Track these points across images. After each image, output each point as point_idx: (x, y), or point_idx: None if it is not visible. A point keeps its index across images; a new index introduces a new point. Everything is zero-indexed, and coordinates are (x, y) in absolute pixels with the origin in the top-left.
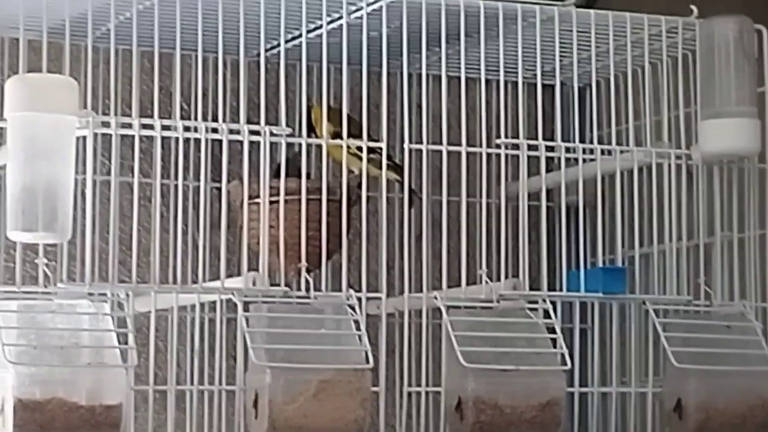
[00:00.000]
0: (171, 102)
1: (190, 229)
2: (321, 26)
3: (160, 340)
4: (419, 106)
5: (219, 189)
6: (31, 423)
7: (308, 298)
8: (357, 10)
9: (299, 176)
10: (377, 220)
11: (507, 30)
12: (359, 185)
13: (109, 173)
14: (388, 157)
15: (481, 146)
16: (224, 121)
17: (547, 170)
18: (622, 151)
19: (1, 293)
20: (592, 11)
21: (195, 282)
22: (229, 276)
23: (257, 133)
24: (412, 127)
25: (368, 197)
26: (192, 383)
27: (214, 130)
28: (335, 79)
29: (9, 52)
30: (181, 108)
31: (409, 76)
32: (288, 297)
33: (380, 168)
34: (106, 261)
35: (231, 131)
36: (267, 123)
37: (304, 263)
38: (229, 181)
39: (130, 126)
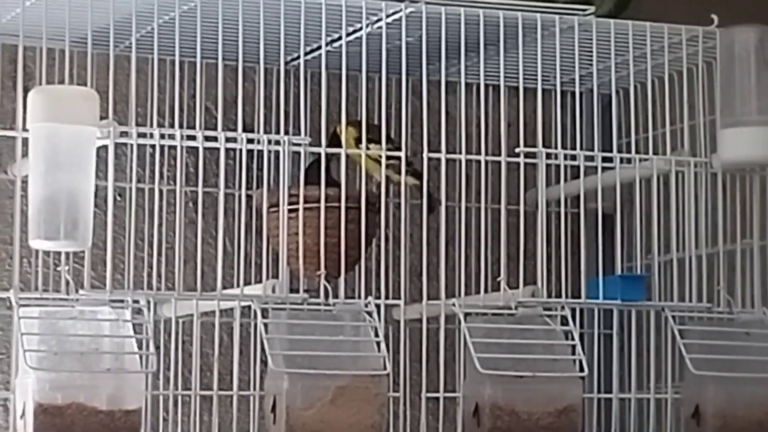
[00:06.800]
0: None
1: (218, 236)
2: (341, 37)
3: (189, 344)
4: (440, 115)
5: (248, 197)
6: (52, 428)
7: (327, 304)
8: (377, 21)
9: (328, 183)
10: (399, 226)
11: (527, 39)
12: (381, 192)
13: (141, 181)
14: (409, 164)
15: (500, 155)
16: (244, 130)
17: (572, 178)
18: (642, 159)
19: (25, 300)
20: (612, 21)
21: (227, 287)
22: (258, 282)
23: (278, 142)
24: (444, 135)
25: (392, 204)
26: (217, 388)
27: (235, 140)
28: (357, 88)
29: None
30: (205, 117)
31: (431, 84)
32: (307, 304)
33: (400, 174)
34: (137, 268)
35: (250, 140)
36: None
37: (323, 270)
38: (257, 189)
39: (151, 136)
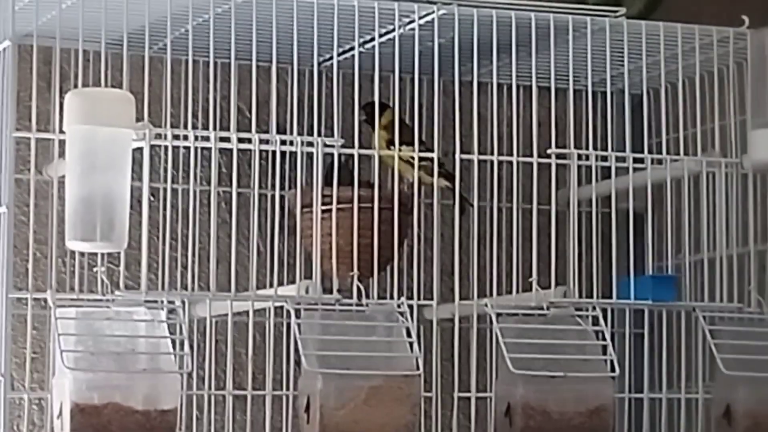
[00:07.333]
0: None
1: (252, 237)
2: (373, 38)
3: (222, 344)
4: (472, 115)
5: (281, 197)
6: (88, 427)
7: (360, 305)
8: (410, 23)
9: (361, 184)
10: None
11: (559, 40)
12: (413, 193)
13: (175, 182)
14: (440, 165)
15: (532, 155)
16: (278, 132)
17: (603, 178)
18: (673, 160)
19: (61, 301)
20: (643, 22)
21: (259, 288)
22: (291, 282)
23: (311, 144)
24: (476, 136)
25: (424, 204)
26: (255, 388)
27: (269, 141)
28: (389, 89)
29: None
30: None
31: (463, 85)
32: (340, 304)
33: (432, 175)
34: (171, 268)
35: (284, 142)
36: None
37: (356, 271)
38: (289, 189)
39: (185, 138)
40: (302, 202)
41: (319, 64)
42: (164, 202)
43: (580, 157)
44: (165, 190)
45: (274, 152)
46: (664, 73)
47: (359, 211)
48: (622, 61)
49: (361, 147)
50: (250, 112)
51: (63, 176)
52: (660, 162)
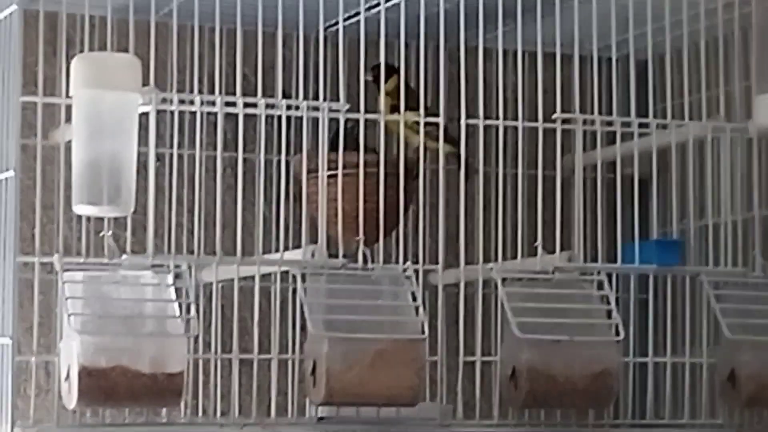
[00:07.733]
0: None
1: (258, 202)
2: (379, 3)
3: (227, 309)
4: (477, 81)
5: (287, 162)
6: (96, 390)
7: (366, 270)
8: None
9: (359, 149)
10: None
11: (564, 6)
12: (419, 159)
13: (181, 147)
14: (445, 131)
15: (537, 121)
16: (284, 96)
17: (609, 143)
18: (678, 125)
19: (69, 264)
20: None
21: (265, 252)
22: (296, 247)
23: (317, 108)
24: (482, 101)
25: (429, 170)
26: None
27: (274, 106)
28: (394, 54)
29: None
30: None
31: (468, 50)
32: (346, 269)
33: (437, 141)
34: (177, 233)
35: (290, 107)
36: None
37: (362, 236)
38: (294, 154)
39: (191, 103)
40: (308, 167)
41: (325, 29)
42: (170, 167)
43: (585, 122)
44: (171, 155)
45: (279, 117)
46: (670, 38)
47: (365, 176)
48: (627, 26)
49: (366, 112)
50: (256, 78)
51: (69, 141)
52: (665, 127)
